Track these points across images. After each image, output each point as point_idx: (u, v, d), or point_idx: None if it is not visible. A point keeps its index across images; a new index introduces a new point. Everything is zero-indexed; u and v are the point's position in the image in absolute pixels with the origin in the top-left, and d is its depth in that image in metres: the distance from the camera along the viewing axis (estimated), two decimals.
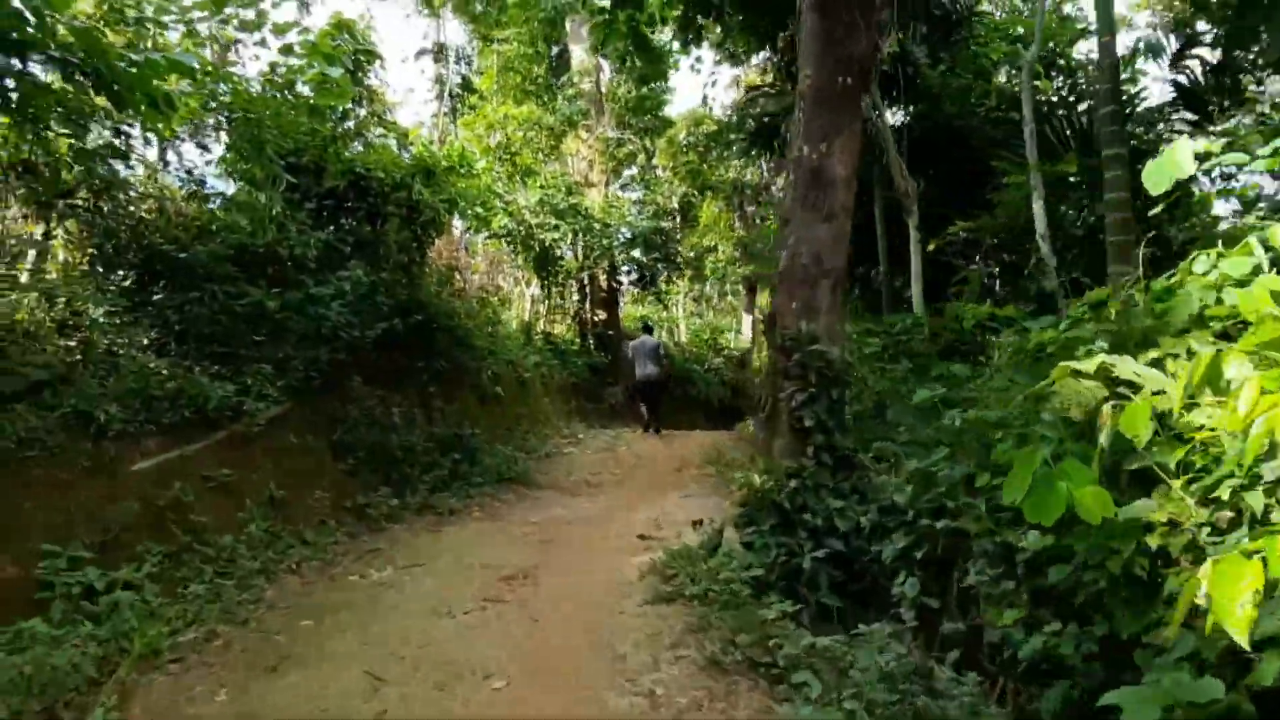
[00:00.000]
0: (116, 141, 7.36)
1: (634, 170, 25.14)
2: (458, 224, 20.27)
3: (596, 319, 23.46)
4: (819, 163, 6.32)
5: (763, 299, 35.24)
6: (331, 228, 10.39)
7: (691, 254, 28.91)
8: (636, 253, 22.64)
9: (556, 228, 19.21)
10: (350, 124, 10.28)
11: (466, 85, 29.98)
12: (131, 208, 7.94)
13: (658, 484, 11.41)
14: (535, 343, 18.88)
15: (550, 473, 12.21)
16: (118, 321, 7.33)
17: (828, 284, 6.52)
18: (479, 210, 18.41)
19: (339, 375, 9.42)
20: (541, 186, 19.73)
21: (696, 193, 27.12)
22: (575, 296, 23.34)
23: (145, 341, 7.46)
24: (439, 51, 28.76)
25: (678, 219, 23.52)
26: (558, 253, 20.55)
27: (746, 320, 34.04)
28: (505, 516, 9.45)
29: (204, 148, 9.32)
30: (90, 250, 7.61)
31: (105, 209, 7.67)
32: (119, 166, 7.76)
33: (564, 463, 13.09)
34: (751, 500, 7.03)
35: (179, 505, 6.56)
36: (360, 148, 10.74)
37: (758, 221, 33.58)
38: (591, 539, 8.12)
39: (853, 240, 13.20)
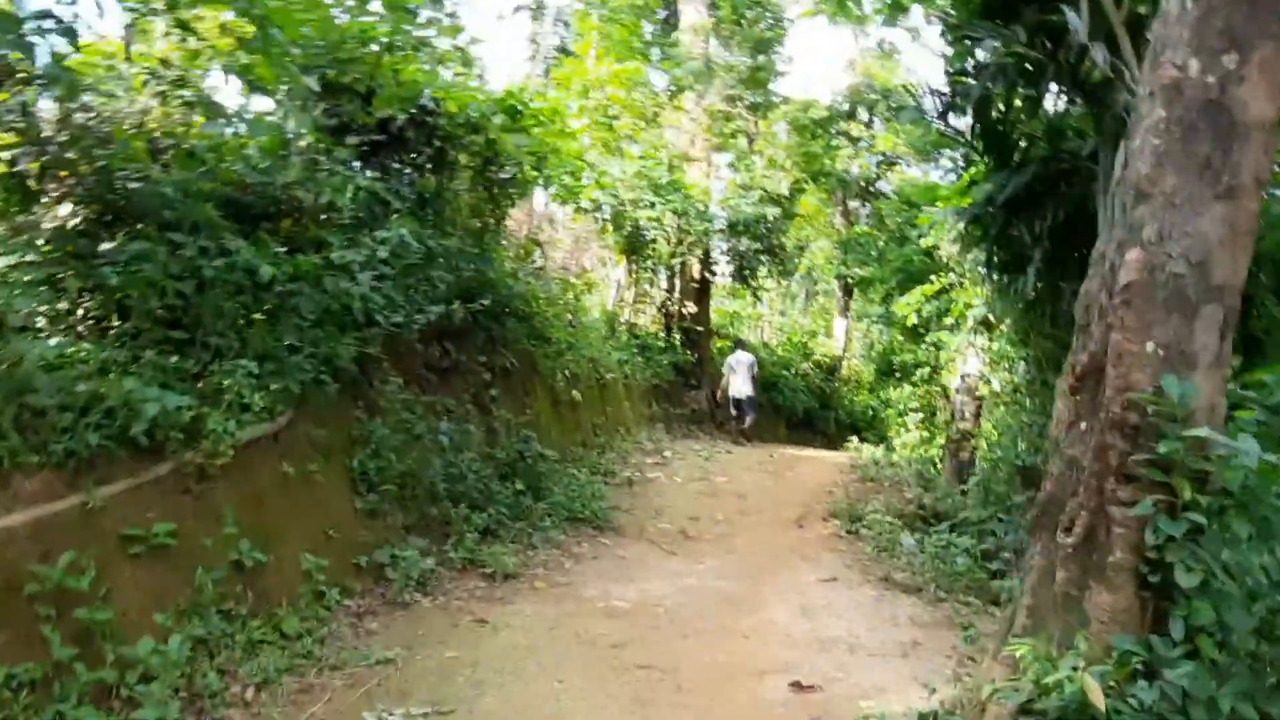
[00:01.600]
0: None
1: (738, 149, 22.00)
2: (540, 194, 17.56)
3: (685, 312, 20.55)
4: (1219, 91, 3.40)
5: (864, 303, 31.97)
6: (380, 173, 7.69)
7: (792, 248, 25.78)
8: (737, 241, 19.64)
9: (652, 205, 16.34)
10: (414, 36, 7.51)
11: (564, 51, 27.28)
12: (81, 114, 5.27)
13: (777, 545, 8.53)
14: (620, 336, 16.09)
15: (635, 510, 9.39)
16: (30, 281, 4.69)
17: (1215, 313, 3.50)
18: (567, 179, 15.66)
19: (367, 375, 6.72)
20: (641, 157, 16.87)
21: (809, 180, 23.95)
22: (663, 285, 20.48)
23: (67, 315, 4.81)
24: (537, 8, 26.01)
25: (784, 207, 20.45)
26: (650, 235, 17.71)
27: (840, 324, 30.81)
28: (578, 587, 6.65)
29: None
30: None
31: (35, 110, 5.02)
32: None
33: (650, 494, 10.27)
34: None
35: (63, 592, 3.88)
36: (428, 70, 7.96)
37: (862, 218, 30.35)
38: (709, 662, 5.25)
39: None
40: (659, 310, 20.23)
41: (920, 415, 17.62)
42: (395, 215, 6.24)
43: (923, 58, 65.48)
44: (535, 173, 9.56)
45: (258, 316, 5.42)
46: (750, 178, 20.14)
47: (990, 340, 13.24)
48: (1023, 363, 11.17)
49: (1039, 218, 9.51)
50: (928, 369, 17.58)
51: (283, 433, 5.50)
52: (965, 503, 10.97)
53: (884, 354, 19.88)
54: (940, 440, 17.07)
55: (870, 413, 30.33)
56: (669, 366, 18.12)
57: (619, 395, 13.79)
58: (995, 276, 10.92)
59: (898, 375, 18.63)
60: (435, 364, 8.38)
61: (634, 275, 18.15)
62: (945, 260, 14.05)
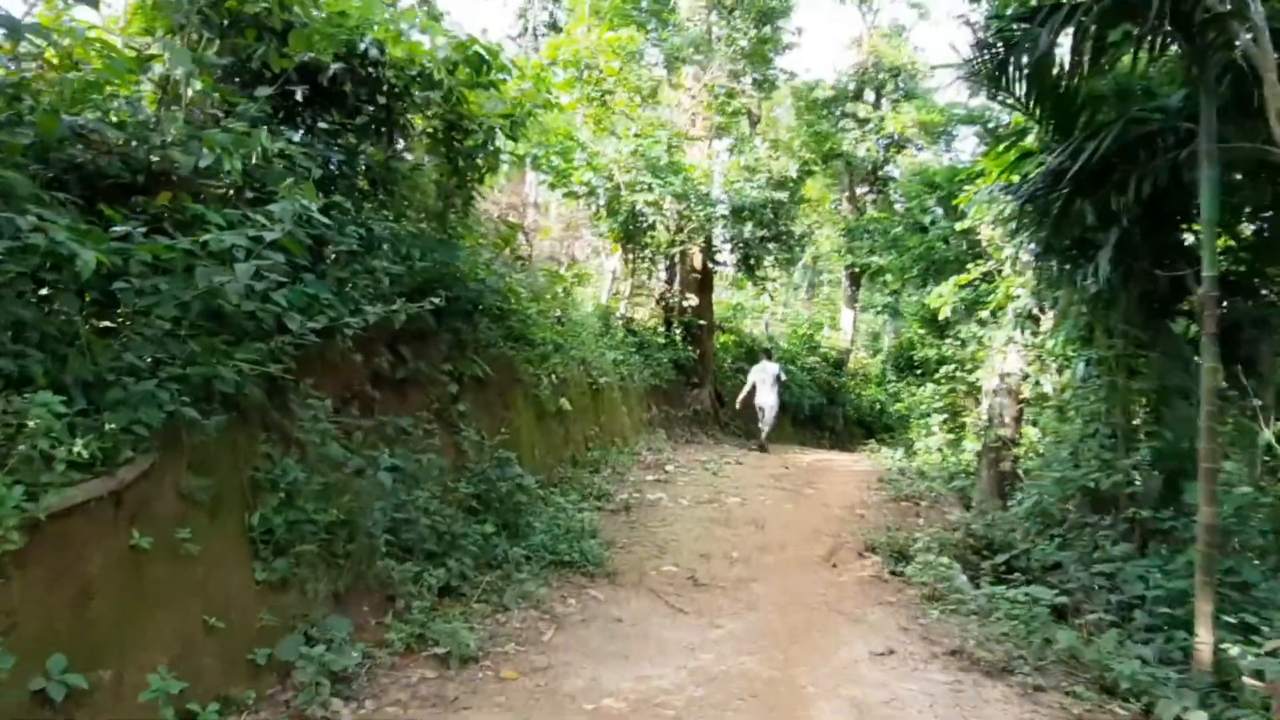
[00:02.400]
0: None
1: (741, 130, 20.27)
2: (531, 179, 15.86)
3: (686, 304, 18.88)
4: None
5: (871, 293, 30.29)
6: (307, 134, 6.01)
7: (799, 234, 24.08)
8: (741, 228, 17.94)
9: (650, 188, 14.65)
10: None
11: (554, 28, 25.56)
12: None
13: (809, 593, 6.85)
14: (615, 333, 14.42)
15: (633, 547, 7.74)
16: None
17: None
18: (556, 159, 13.95)
19: (279, 399, 5.05)
20: (637, 136, 15.17)
21: (819, 161, 22.23)
22: (662, 276, 18.80)
23: None
24: None
25: (792, 191, 18.75)
26: (647, 221, 16.02)
27: (846, 316, 29.13)
28: (559, 676, 4.98)
29: None
30: None
31: None
32: None
33: (652, 523, 8.60)
34: None
35: None
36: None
37: (869, 205, 28.64)
38: None
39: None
40: (658, 303, 18.56)
41: (945, 417, 15.98)
42: (293, 181, 4.54)
43: (933, 37, 62.77)
44: (511, 140, 7.83)
45: (86, 327, 3.74)
46: (755, 160, 18.42)
47: (1035, 336, 11.60)
48: (1082, 363, 9.52)
49: (1115, 194, 7.86)
50: (953, 367, 15.94)
51: (131, 489, 3.83)
52: (1018, 526, 9.35)
53: (901, 349, 18.23)
54: (968, 443, 15.44)
55: (878, 407, 28.77)
56: (669, 365, 16.46)
57: (614, 401, 12.13)
58: (1054, 263, 9.29)
59: (919, 372, 17.00)
60: (386, 376, 6.72)
61: (630, 265, 16.46)
62: (984, 246, 12.38)
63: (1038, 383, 11.50)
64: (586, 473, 9.83)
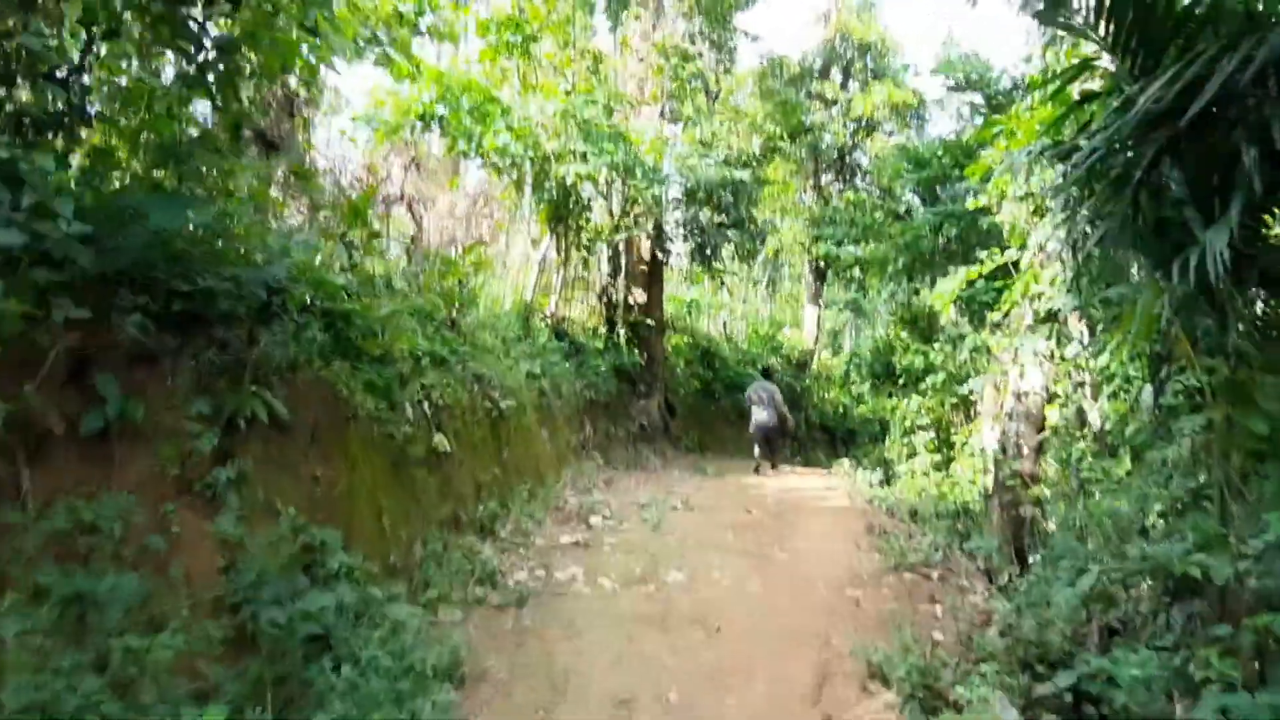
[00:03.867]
0: None
1: (697, 101, 17.33)
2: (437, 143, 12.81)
3: (632, 301, 15.97)
4: None
5: (838, 288, 27.65)
6: None
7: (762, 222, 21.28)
8: (697, 212, 15.06)
9: (584, 157, 11.70)
10: None
11: None
12: None
13: None
14: (537, 336, 11.45)
15: (513, 689, 4.78)
16: None
17: None
18: (468, 122, 10.97)
19: None
20: (568, 94, 12.20)
21: (787, 137, 19.41)
22: (605, 268, 15.87)
23: None
24: None
25: (754, 172, 15.92)
26: (583, 199, 13.07)
27: (809, 314, 26.44)
28: None
29: None
30: None
31: None
32: None
33: (552, 631, 5.64)
34: None
35: None
36: None
37: (836, 195, 25.94)
38: None
39: None
40: (599, 299, 15.64)
41: (931, 435, 13.29)
42: None
43: (904, 12, 58.61)
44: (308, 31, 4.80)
45: None
46: (713, 134, 15.55)
47: (1065, 347, 8.90)
48: (1149, 388, 6.84)
49: (1246, 144, 5.13)
50: (942, 377, 13.23)
51: None
52: (1070, 617, 6.63)
53: (878, 353, 15.55)
54: (959, 467, 12.76)
55: (842, 411, 26.19)
56: (609, 372, 13.54)
57: (528, 427, 9.17)
58: (1119, 252, 6.56)
59: (900, 381, 14.32)
60: (71, 422, 3.75)
61: (563, 254, 13.50)
62: (1004, 230, 9.67)
63: (1073, 407, 8.80)
64: (474, 538, 6.89)
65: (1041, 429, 9.44)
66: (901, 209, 18.22)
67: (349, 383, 5.56)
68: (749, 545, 7.92)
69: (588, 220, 13.34)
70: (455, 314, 8.38)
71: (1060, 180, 7.12)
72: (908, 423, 13.56)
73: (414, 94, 10.63)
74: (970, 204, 9.54)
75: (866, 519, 9.80)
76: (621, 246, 15.78)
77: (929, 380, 13.34)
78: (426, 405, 6.68)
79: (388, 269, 7.74)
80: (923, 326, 14.66)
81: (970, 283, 10.26)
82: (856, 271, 23.09)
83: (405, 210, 8.85)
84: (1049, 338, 9.01)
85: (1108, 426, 7.91)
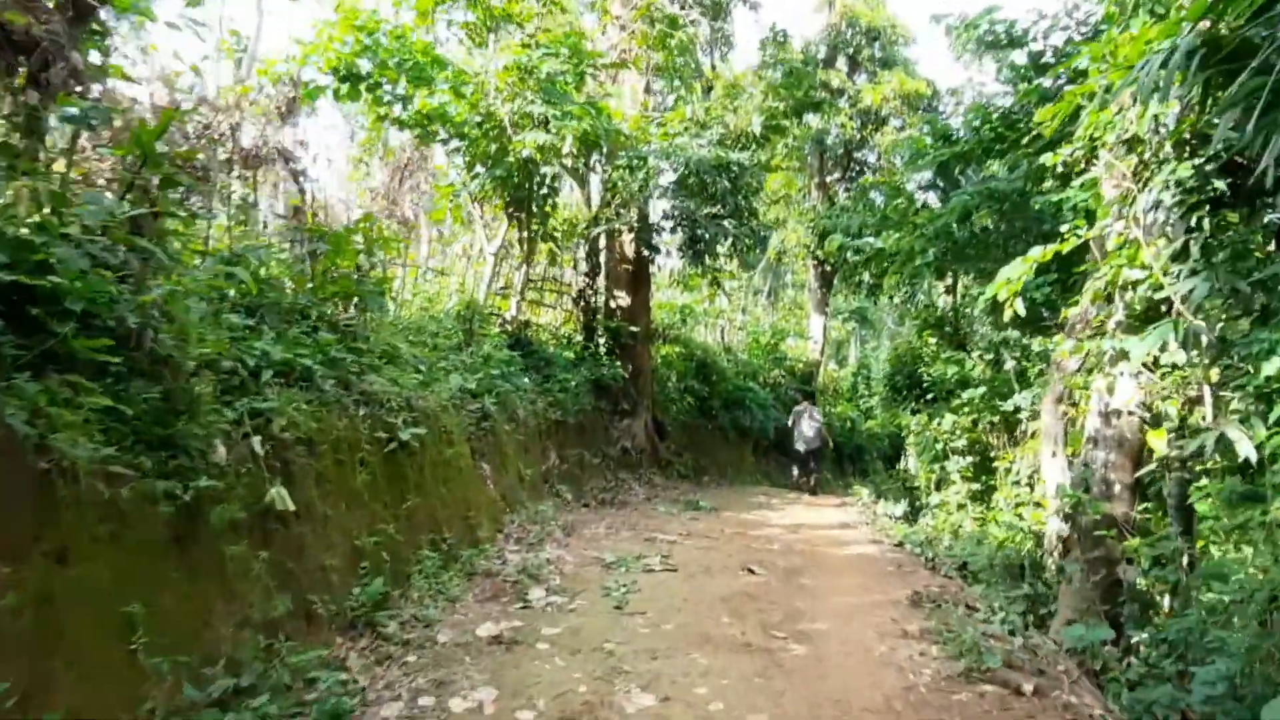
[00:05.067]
0: None
1: (687, 72, 14.87)
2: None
3: (614, 306, 13.58)
4: None
5: (845, 294, 25.26)
6: None
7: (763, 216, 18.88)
8: (690, 202, 12.66)
9: (545, 123, 9.31)
10: None
11: None
12: None
13: None
14: (483, 345, 9.00)
15: None
16: None
17: None
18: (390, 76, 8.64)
19: None
20: (525, 44, 9.81)
21: (793, 115, 17.00)
22: (582, 268, 13.47)
23: None
24: None
25: (755, 154, 13.52)
26: (547, 180, 10.66)
27: (815, 323, 24.01)
28: None
29: None
30: None
31: None
32: None
33: None
34: None
35: None
36: None
37: (843, 195, 23.54)
38: None
39: None
40: (575, 303, 13.23)
41: (969, 459, 10.81)
42: None
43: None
44: None
45: None
46: (706, 109, 13.17)
47: (1163, 350, 6.46)
48: None
49: None
50: (984, 390, 10.76)
51: None
52: None
53: (899, 362, 13.08)
54: (1001, 498, 10.28)
55: (850, 426, 23.79)
56: (583, 386, 11.12)
57: (452, 461, 6.68)
58: None
59: (928, 396, 11.87)
60: None
61: (527, 247, 11.08)
62: (1063, 211, 7.28)
63: (1180, 430, 6.34)
64: (336, 640, 4.45)
65: (1140, 461, 6.99)
66: (911, 184, 15.85)
67: (55, 411, 3.13)
68: (751, 632, 5.44)
69: (554, 206, 10.94)
70: (347, 312, 5.96)
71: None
72: (940, 445, 11.08)
73: (324, 37, 8.24)
74: (1049, 158, 7.08)
75: (904, 576, 7.33)
76: (601, 242, 13.40)
77: (965, 394, 10.87)
78: (258, 442, 4.25)
79: (237, 237, 5.32)
80: (952, 332, 12.24)
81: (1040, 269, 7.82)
82: (866, 276, 20.71)
83: (286, 173, 6.45)
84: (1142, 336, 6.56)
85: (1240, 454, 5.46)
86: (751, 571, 6.98)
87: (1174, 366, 6.28)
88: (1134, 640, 6.31)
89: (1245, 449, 5.33)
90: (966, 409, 10.98)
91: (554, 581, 6.12)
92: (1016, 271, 6.93)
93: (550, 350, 11.29)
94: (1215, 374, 6.18)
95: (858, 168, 23.76)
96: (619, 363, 12.82)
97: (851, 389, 27.87)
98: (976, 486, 10.89)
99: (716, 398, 17.01)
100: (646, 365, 13.91)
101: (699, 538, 8.43)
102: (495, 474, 7.70)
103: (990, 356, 10.57)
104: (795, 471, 15.36)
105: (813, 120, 21.97)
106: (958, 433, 11.03)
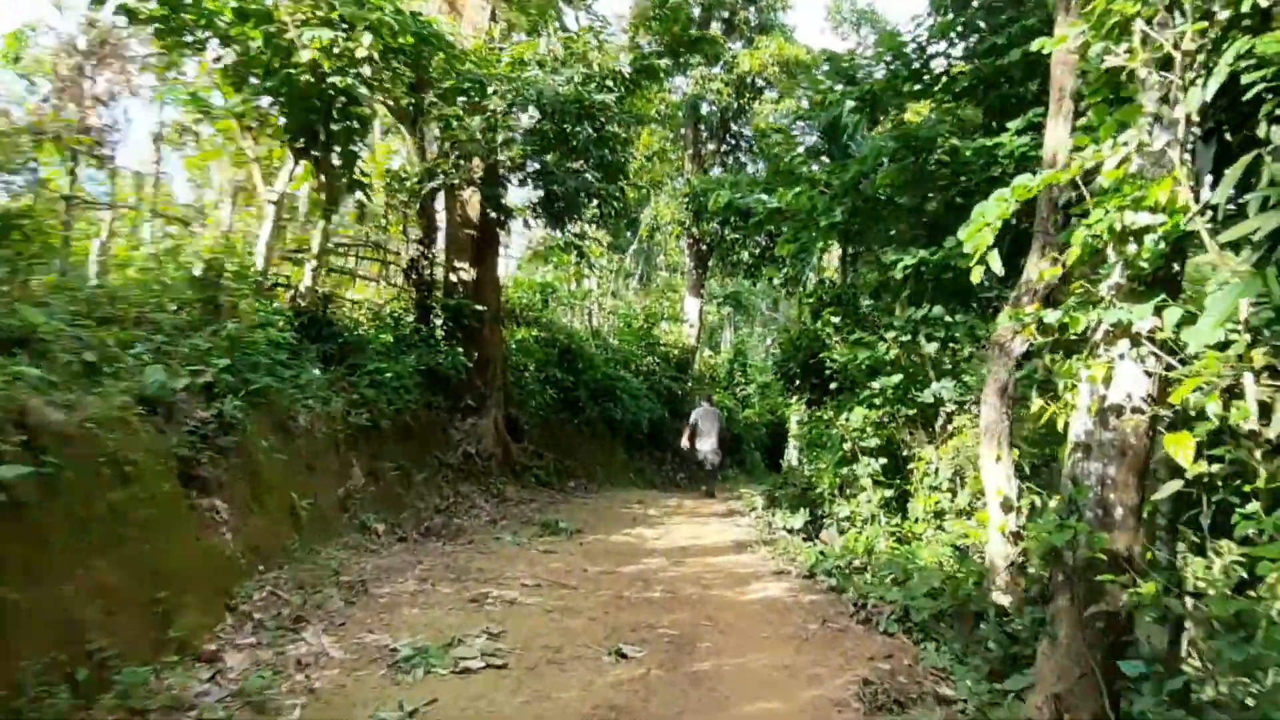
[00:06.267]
0: None
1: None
2: None
3: (456, 279, 10.95)
4: None
5: (721, 278, 23.39)
6: None
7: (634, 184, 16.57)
8: (543, 148, 10.16)
9: (331, 21, 6.61)
10: None
11: None
12: None
13: None
14: (230, 326, 6.18)
15: None
16: None
17: None
18: None
19: None
20: None
21: (671, 55, 14.69)
22: (413, 234, 10.77)
23: None
24: None
25: (626, 101, 11.16)
26: (349, 108, 7.92)
27: (691, 306, 22.00)
28: None
29: None
30: None
31: None
32: None
33: None
34: None
35: None
36: None
37: (724, 165, 21.58)
38: None
39: None
40: (407, 276, 10.52)
41: (883, 461, 8.84)
42: None
43: None
44: None
45: None
46: (567, 42, 10.69)
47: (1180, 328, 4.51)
48: None
49: None
50: (896, 379, 8.80)
51: None
52: None
53: (793, 347, 11.08)
54: (918, 507, 8.36)
55: (726, 415, 21.92)
56: (411, 380, 8.50)
57: (125, 509, 3.99)
58: None
59: (831, 386, 9.90)
60: None
61: (319, 195, 8.27)
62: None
63: (1219, 436, 4.40)
64: None
65: (1145, 474, 5.04)
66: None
67: None
68: None
69: (362, 143, 8.23)
70: None
71: None
72: (849, 444, 9.07)
73: None
74: (1036, 45, 4.97)
75: (835, 639, 5.16)
76: (439, 202, 10.75)
77: (877, 384, 8.88)
78: None
79: None
80: (855, 311, 10.30)
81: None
82: (745, 255, 18.83)
83: None
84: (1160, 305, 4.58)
85: None
86: (622, 656, 4.61)
87: (1223, 345, 4.31)
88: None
89: None
90: (879, 401, 9.00)
91: (292, 718, 3.56)
92: (994, 210, 4.82)
93: (362, 333, 8.59)
94: (1261, 355, 4.21)
95: (734, 140, 21.86)
96: (461, 349, 10.22)
97: (728, 376, 26.14)
98: (889, 494, 8.94)
99: (583, 388, 14.64)
100: (497, 352, 11.34)
101: (551, 587, 6.00)
102: (238, 514, 5.01)
103: (907, 338, 8.65)
104: (704, 475, 13.96)
105: (685, 85, 19.90)
106: (868, 430, 9.04)
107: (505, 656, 4.42)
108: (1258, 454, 4.51)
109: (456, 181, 10.23)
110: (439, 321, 10.46)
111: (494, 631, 4.78)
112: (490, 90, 9.43)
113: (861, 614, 5.85)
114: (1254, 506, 4.54)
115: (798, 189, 9.16)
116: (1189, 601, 5.51)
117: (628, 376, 17.25)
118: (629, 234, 24.64)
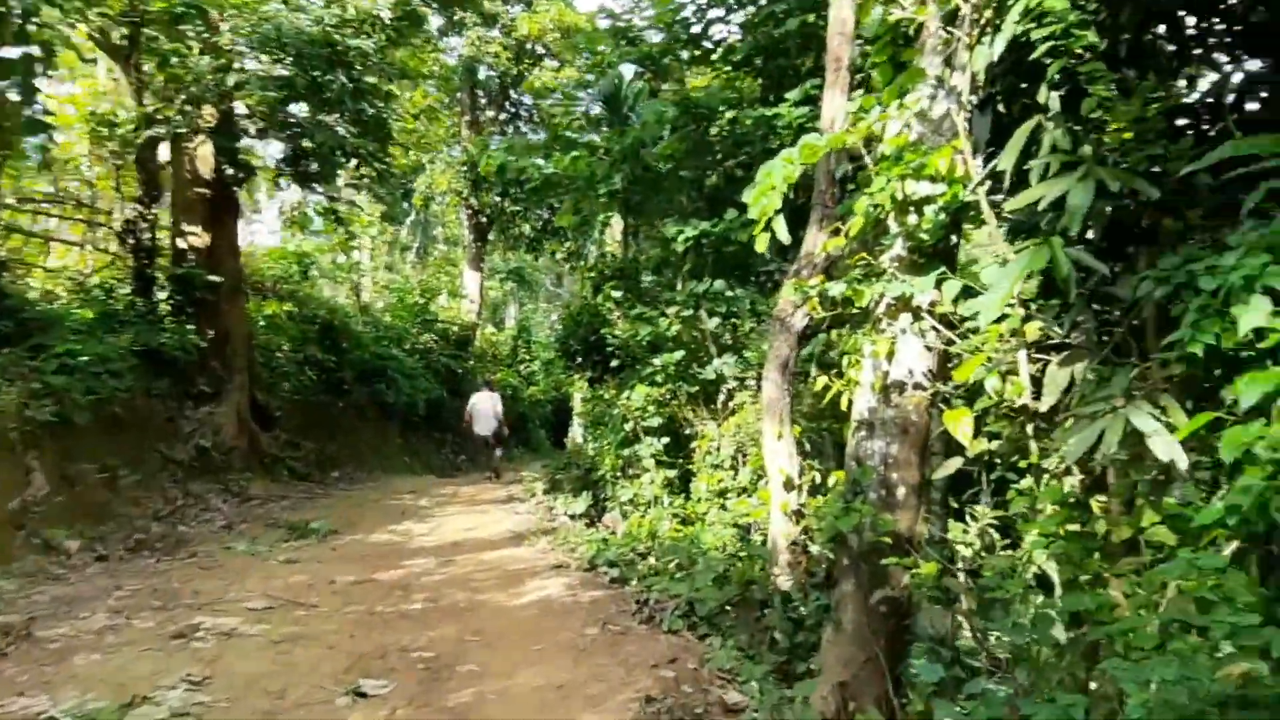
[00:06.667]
0: None
1: None
2: None
3: (185, 245, 9.37)
4: None
5: (502, 251, 22.41)
6: None
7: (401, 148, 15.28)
8: (289, 97, 8.84)
9: None
10: None
11: None
12: None
13: None
14: None
15: None
16: None
17: None
18: None
19: None
20: None
21: (437, 7, 13.51)
22: (129, 191, 9.07)
23: None
24: None
25: (391, 40, 9.99)
26: (40, 36, 6.35)
27: (471, 280, 20.92)
28: None
29: None
30: None
31: None
32: None
33: None
34: None
35: None
36: None
37: (503, 134, 20.59)
38: None
39: None
40: (122, 241, 8.85)
41: (665, 440, 8.50)
42: None
43: None
44: None
45: None
46: None
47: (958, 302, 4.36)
48: None
49: None
50: (678, 355, 8.48)
51: None
52: None
53: (575, 325, 10.51)
54: (703, 485, 8.11)
55: (510, 394, 21.23)
56: (125, 363, 7.05)
57: None
58: None
59: (612, 364, 9.42)
60: None
61: None
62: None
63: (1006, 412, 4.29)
64: None
65: (925, 452, 4.91)
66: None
67: None
68: None
69: (39, 64, 6.61)
70: None
71: None
72: (631, 424, 8.65)
73: None
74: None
75: (616, 643, 4.63)
76: (163, 155, 9.12)
77: (659, 360, 8.51)
78: None
79: None
80: (636, 285, 9.89)
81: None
82: (527, 228, 18.07)
83: None
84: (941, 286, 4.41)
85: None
86: (361, 695, 3.79)
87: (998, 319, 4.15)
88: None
89: (1165, 448, 3.26)
90: (660, 378, 8.63)
91: None
92: (781, 171, 4.43)
93: (49, 307, 7.01)
94: (1034, 329, 4.11)
95: (514, 108, 20.95)
96: (193, 326, 8.74)
97: (512, 353, 25.31)
98: (672, 474, 8.62)
99: (349, 368, 13.30)
100: (239, 329, 9.87)
101: (285, 609, 5.02)
102: None
103: (688, 313, 8.33)
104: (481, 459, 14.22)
105: (461, 47, 18.69)
106: (649, 408, 8.66)
107: (206, 713, 3.48)
108: (1029, 429, 4.45)
109: (184, 130, 8.68)
110: (164, 294, 8.90)
111: (197, 679, 3.80)
112: (223, 26, 8.01)
113: (644, 611, 5.38)
114: (1027, 482, 4.51)
115: (575, 153, 8.55)
116: (963, 578, 5.49)
117: (400, 355, 16.03)
118: (405, 204, 23.14)
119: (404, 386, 15.48)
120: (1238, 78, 4.46)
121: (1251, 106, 4.43)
